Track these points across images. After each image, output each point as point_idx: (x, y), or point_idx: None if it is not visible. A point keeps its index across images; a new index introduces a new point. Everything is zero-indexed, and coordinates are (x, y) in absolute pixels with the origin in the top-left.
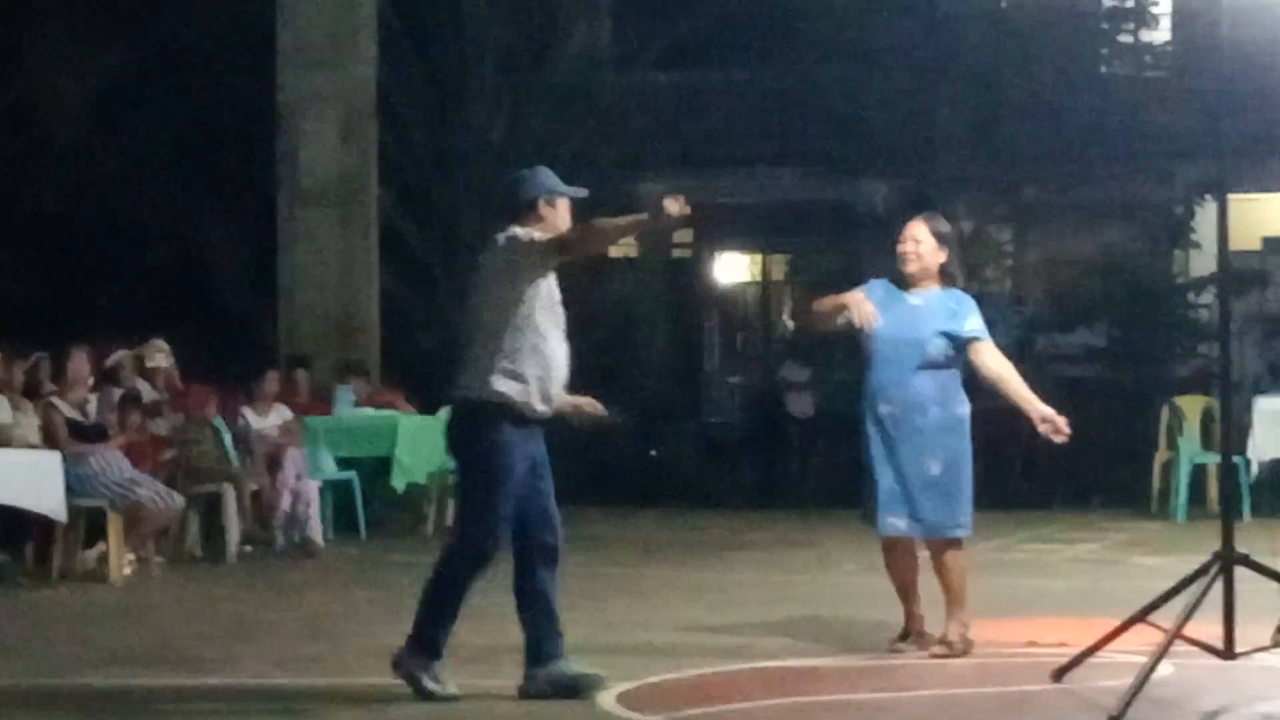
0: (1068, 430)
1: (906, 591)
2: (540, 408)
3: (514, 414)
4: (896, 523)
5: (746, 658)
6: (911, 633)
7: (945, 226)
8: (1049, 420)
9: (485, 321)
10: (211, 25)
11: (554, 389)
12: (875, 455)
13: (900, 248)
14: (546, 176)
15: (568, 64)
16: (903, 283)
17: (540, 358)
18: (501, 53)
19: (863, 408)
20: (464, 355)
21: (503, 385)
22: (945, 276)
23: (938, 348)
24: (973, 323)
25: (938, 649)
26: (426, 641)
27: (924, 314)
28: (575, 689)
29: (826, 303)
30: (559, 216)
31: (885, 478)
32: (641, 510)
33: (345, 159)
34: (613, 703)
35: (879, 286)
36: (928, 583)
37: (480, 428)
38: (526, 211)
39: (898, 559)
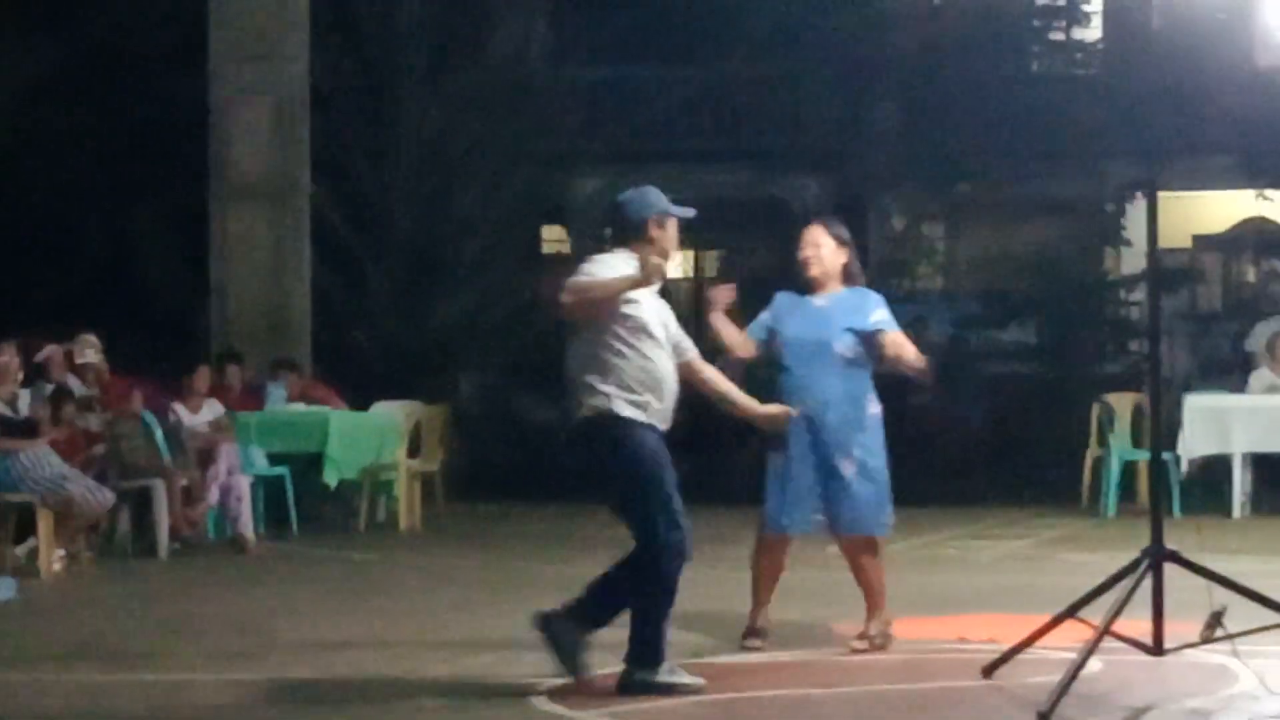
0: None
1: (769, 589)
2: (661, 429)
3: (643, 425)
4: (815, 519)
5: (677, 653)
6: (759, 628)
7: (843, 229)
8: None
9: (588, 345)
10: (143, 20)
11: (669, 406)
12: (794, 454)
13: (801, 254)
14: (656, 197)
15: (501, 60)
16: (808, 288)
17: (650, 379)
18: (434, 48)
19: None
20: (578, 377)
21: (625, 410)
22: (848, 277)
23: (846, 344)
24: (879, 314)
25: (857, 644)
26: (655, 649)
27: (830, 314)
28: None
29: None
30: (668, 237)
31: (804, 477)
32: (573, 505)
33: (277, 154)
34: (545, 699)
35: (784, 299)
36: (837, 580)
37: (617, 439)
38: (635, 233)
39: (777, 557)
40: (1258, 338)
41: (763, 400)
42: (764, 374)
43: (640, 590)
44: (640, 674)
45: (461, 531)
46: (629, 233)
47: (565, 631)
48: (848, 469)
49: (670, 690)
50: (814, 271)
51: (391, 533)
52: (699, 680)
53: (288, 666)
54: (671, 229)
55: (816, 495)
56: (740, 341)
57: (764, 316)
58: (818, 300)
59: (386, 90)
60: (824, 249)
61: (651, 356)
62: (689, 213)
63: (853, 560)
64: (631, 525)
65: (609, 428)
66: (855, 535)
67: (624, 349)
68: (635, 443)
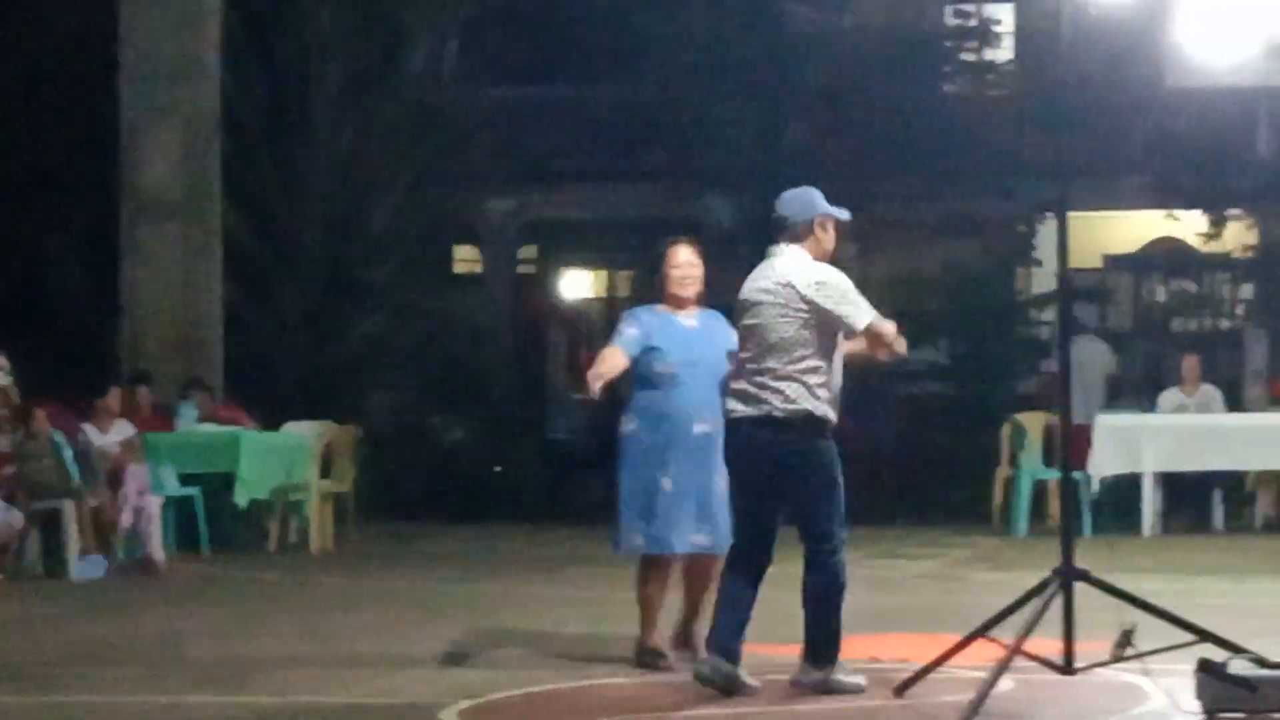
0: None
1: (658, 608)
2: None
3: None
4: (702, 540)
5: (590, 674)
6: (658, 647)
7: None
8: None
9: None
10: (54, 39)
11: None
12: (685, 473)
13: (678, 273)
14: (819, 198)
15: (413, 80)
16: (675, 306)
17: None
18: (347, 68)
19: (656, 430)
20: (766, 373)
21: (831, 417)
22: (701, 298)
23: (724, 366)
24: (733, 335)
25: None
26: (831, 651)
27: (705, 335)
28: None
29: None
30: (830, 239)
31: (694, 498)
32: (485, 525)
33: (189, 173)
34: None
35: (650, 316)
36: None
37: (825, 444)
38: (799, 232)
39: (664, 576)
40: (1161, 409)
41: (616, 419)
42: (624, 390)
43: (831, 593)
44: (816, 672)
45: (373, 552)
46: (793, 232)
47: (828, 671)
48: (724, 485)
49: (839, 688)
50: (692, 291)
51: (303, 553)
52: (859, 682)
53: (198, 688)
54: (832, 230)
55: (693, 515)
56: (617, 362)
57: (635, 333)
58: (686, 320)
59: (298, 110)
60: (697, 269)
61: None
62: (845, 214)
63: (706, 578)
64: (814, 524)
65: (818, 432)
66: (719, 555)
67: (833, 363)
68: (833, 450)
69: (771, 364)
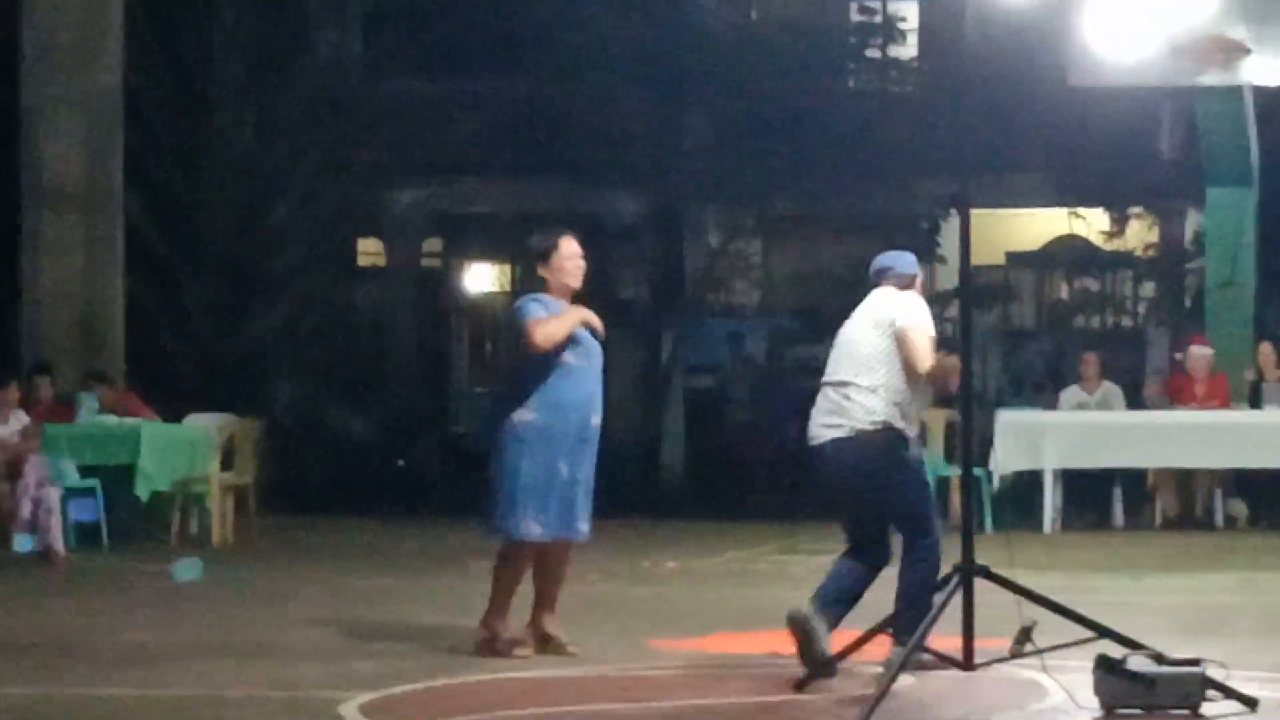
0: None
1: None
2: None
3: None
4: (586, 529)
5: (491, 668)
6: (518, 636)
7: None
8: None
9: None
10: None
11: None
12: (579, 463)
13: (573, 264)
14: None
15: (317, 70)
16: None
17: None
18: (250, 58)
19: (556, 419)
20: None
21: (898, 420)
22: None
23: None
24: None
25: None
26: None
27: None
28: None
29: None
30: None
31: (584, 486)
32: (387, 519)
33: (90, 163)
34: (354, 713)
35: (538, 302)
36: (656, 594)
37: (894, 450)
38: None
39: (530, 564)
40: (1062, 406)
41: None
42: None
43: (918, 577)
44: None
45: (274, 545)
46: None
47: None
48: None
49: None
50: (578, 283)
51: (204, 546)
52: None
53: (97, 681)
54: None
55: (584, 503)
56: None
57: (546, 315)
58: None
59: (201, 99)
60: (582, 261)
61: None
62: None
63: (565, 565)
64: (910, 524)
65: (897, 442)
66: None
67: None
68: (907, 457)
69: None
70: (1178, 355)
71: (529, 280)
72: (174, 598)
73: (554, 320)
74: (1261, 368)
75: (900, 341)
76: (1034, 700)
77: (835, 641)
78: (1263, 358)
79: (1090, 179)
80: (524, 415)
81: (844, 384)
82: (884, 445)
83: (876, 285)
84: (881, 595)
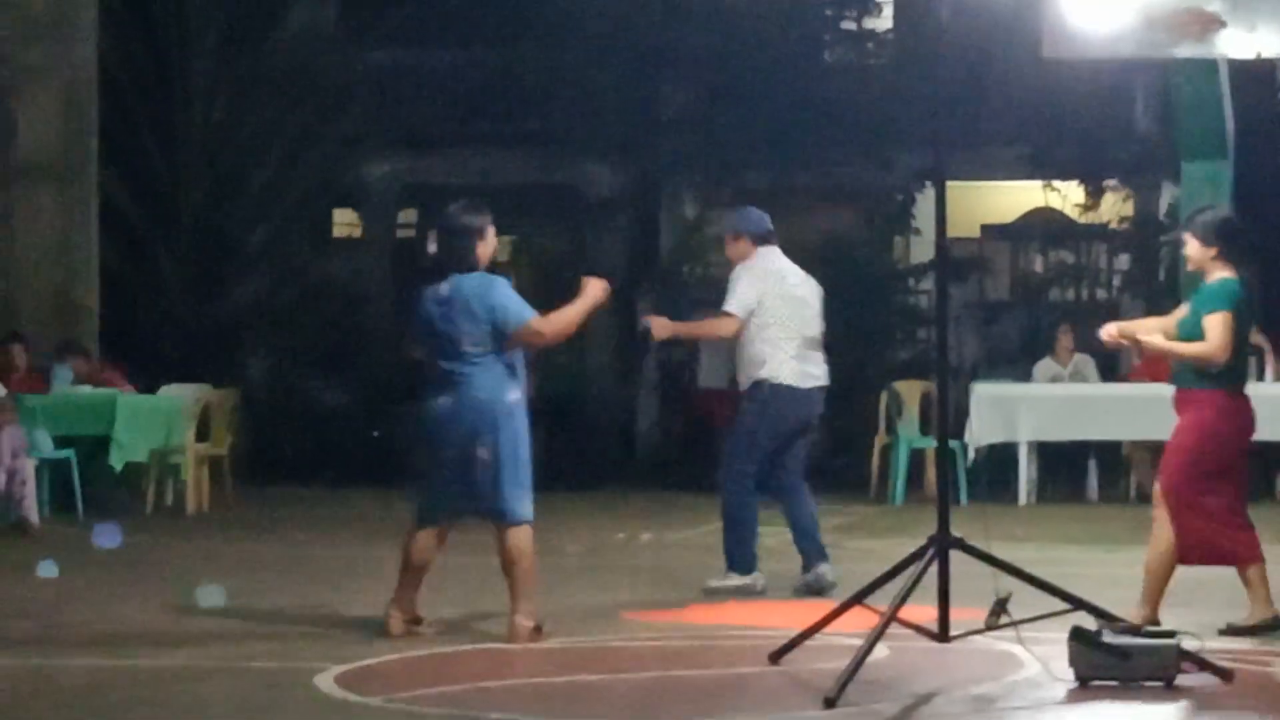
0: None
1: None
2: None
3: None
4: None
5: (467, 639)
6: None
7: None
8: None
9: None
10: None
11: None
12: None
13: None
14: None
15: (291, 42)
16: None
17: None
18: (224, 30)
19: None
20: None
21: None
22: None
23: None
24: None
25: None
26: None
27: None
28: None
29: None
30: None
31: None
32: (363, 491)
33: (65, 134)
34: (330, 684)
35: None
36: (631, 566)
37: None
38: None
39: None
40: (1036, 379)
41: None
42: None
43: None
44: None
45: (249, 516)
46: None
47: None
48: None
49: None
50: None
51: (179, 516)
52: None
53: (71, 652)
54: None
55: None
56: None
57: None
58: None
59: (176, 71)
60: None
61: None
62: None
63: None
64: None
65: None
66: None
67: None
68: None
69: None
70: None
71: (463, 257)
72: (148, 569)
73: (563, 313)
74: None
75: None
76: (1009, 672)
77: (809, 612)
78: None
79: (1065, 152)
80: (517, 394)
81: (818, 339)
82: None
83: (767, 243)
84: (853, 567)
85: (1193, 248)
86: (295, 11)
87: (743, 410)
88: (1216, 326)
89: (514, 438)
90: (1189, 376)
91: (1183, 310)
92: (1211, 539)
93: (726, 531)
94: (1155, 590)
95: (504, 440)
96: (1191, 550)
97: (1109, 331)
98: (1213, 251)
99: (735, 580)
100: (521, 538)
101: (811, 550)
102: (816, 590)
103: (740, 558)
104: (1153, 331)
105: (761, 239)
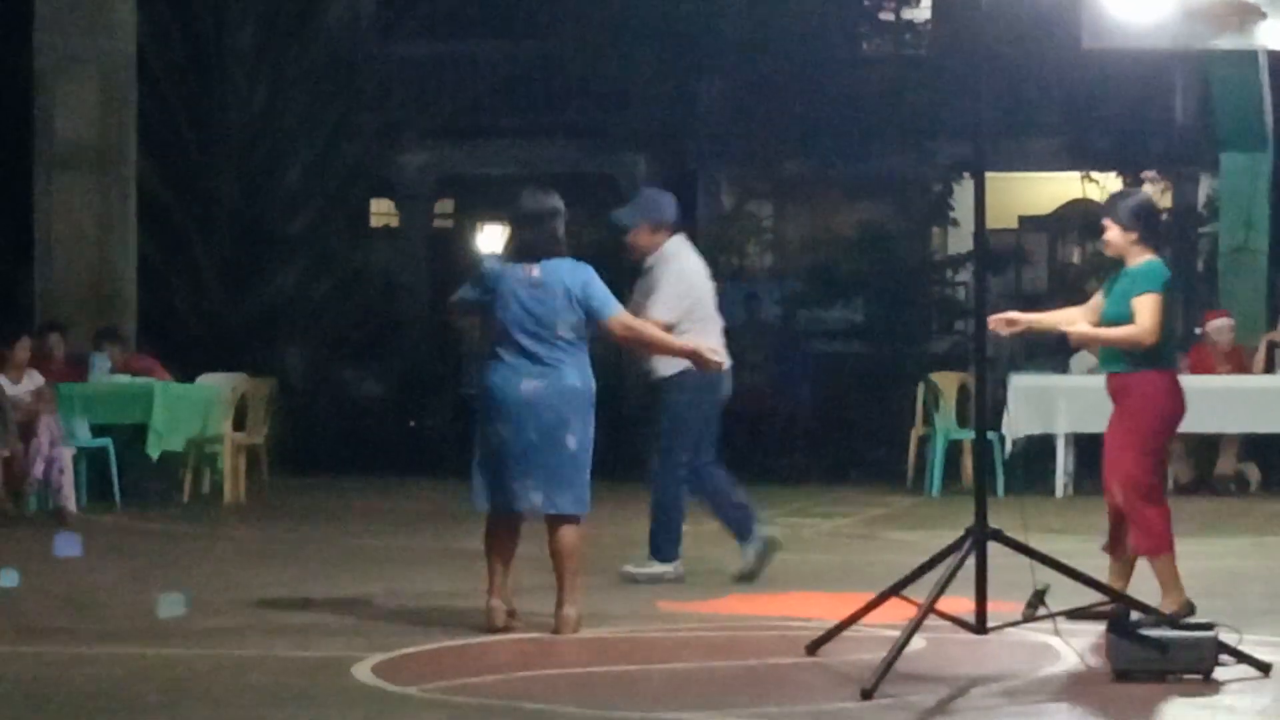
0: None
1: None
2: None
3: None
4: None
5: (503, 629)
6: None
7: None
8: None
9: None
10: None
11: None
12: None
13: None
14: None
15: (329, 33)
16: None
17: None
18: (262, 21)
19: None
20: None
21: None
22: None
23: None
24: None
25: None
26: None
27: None
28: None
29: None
30: None
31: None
32: (400, 481)
33: (104, 124)
34: (367, 673)
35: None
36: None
37: None
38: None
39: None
40: (1073, 370)
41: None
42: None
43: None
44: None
45: (286, 504)
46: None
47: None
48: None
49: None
50: None
51: (216, 505)
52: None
53: (109, 640)
54: None
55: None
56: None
57: None
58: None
59: (214, 61)
60: None
61: None
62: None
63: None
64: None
65: None
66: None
67: None
68: None
69: None
70: (1198, 330)
71: (550, 240)
72: (185, 558)
73: (649, 328)
74: None
75: None
76: (1046, 664)
77: (846, 603)
78: None
79: (1104, 143)
80: (592, 383)
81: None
82: None
83: (678, 232)
84: (890, 559)
85: (1113, 233)
86: (333, 2)
87: (671, 400)
88: (1146, 308)
89: (591, 429)
90: (1122, 362)
91: (1098, 300)
92: (1167, 526)
93: (655, 520)
94: (1125, 575)
95: (587, 430)
96: (1157, 541)
97: (997, 321)
98: (1133, 236)
99: (657, 568)
100: (577, 530)
101: (741, 518)
102: (767, 552)
103: (666, 545)
104: (1075, 320)
105: (677, 226)
